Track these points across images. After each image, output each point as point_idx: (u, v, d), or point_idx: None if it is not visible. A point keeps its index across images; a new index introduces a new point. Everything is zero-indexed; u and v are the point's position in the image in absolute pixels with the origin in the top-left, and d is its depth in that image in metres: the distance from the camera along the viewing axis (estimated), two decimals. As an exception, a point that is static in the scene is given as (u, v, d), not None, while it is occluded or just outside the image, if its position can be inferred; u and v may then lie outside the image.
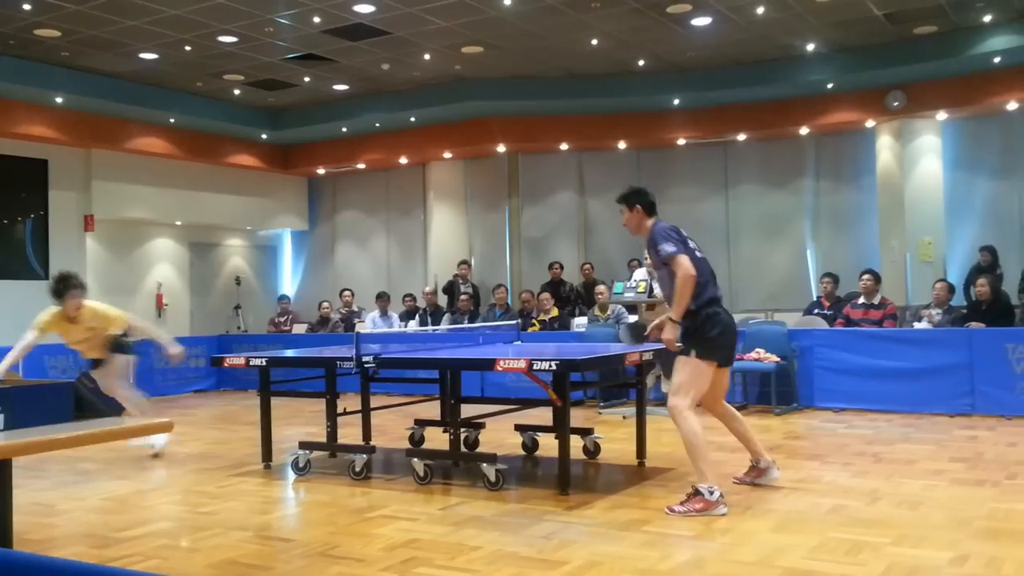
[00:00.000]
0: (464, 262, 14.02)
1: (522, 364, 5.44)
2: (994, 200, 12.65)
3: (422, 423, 7.56)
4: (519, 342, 7.75)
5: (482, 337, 8.92)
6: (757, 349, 9.44)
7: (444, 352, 6.99)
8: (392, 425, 8.50)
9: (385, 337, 10.38)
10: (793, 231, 14.00)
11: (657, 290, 9.36)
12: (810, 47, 11.96)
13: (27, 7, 9.88)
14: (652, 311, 9.57)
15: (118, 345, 7.33)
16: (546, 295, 11.88)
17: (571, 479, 5.70)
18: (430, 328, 11.67)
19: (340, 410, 6.85)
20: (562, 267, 13.36)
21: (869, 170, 13.29)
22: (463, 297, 12.79)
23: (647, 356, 6.32)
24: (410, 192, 16.18)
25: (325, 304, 14.02)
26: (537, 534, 4.68)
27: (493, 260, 15.35)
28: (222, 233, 16.56)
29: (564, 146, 14.68)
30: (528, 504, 5.40)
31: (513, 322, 9.04)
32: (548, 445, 6.73)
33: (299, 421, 9.31)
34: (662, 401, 9.59)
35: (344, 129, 15.10)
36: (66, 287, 6.91)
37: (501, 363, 5.52)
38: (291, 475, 6.54)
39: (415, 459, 6.12)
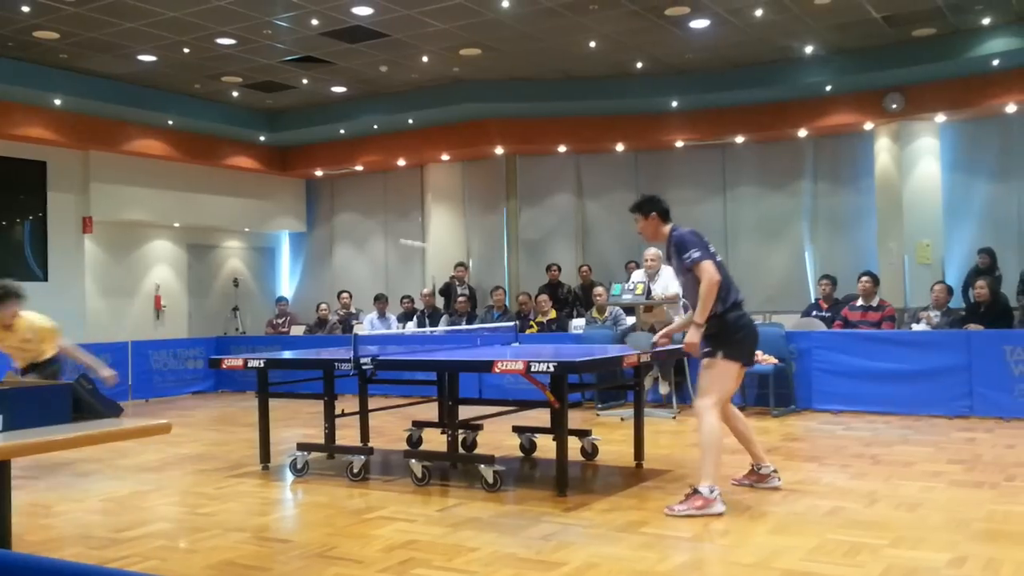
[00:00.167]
0: (461, 264, 14.02)
1: (520, 366, 5.44)
2: (992, 202, 12.67)
3: (420, 424, 7.56)
4: (517, 344, 7.75)
5: (480, 339, 8.92)
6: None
7: (442, 354, 6.99)
8: (390, 427, 8.50)
9: (383, 339, 10.38)
10: (791, 233, 14.01)
11: (656, 291, 9.38)
12: (808, 49, 11.97)
13: (26, 9, 9.88)
14: (650, 312, 9.58)
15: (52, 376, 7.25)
16: (544, 297, 11.88)
17: (569, 481, 5.70)
18: (428, 330, 11.66)
19: (338, 412, 6.85)
20: (560, 269, 13.37)
21: (867, 172, 13.30)
22: (461, 299, 12.79)
23: (645, 358, 6.32)
24: (408, 194, 16.19)
25: (323, 306, 14.02)
26: (535, 535, 4.68)
27: (491, 262, 15.35)
28: (220, 235, 16.56)
29: (562, 148, 14.69)
30: (526, 505, 5.39)
31: (511, 324, 9.04)
32: (546, 447, 6.74)
33: (297, 423, 9.31)
34: (660, 403, 9.64)
35: (342, 131, 15.10)
36: (5, 296, 6.88)
37: (499, 365, 5.52)
38: (289, 476, 6.53)
39: (413, 460, 6.12)
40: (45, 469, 7.05)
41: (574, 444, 6.57)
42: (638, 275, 9.98)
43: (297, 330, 14.18)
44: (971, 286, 10.30)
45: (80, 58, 11.76)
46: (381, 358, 6.24)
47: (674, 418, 9.03)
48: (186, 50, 11.47)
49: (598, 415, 9.45)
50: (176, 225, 15.39)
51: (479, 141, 14.52)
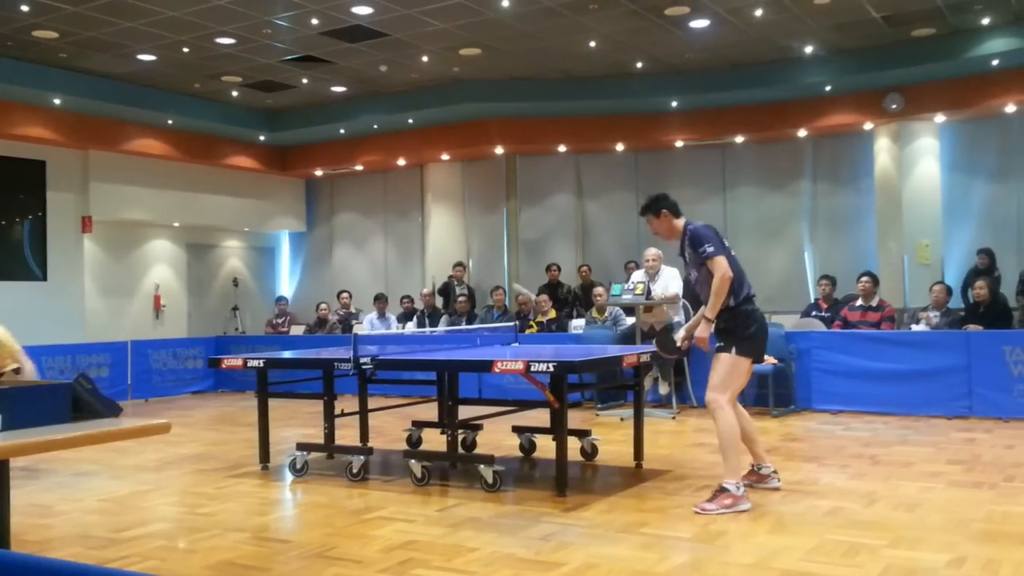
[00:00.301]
0: (459, 264, 14.02)
1: (520, 366, 5.44)
2: (992, 203, 12.67)
3: (420, 424, 7.56)
4: (517, 344, 7.75)
5: (480, 339, 8.92)
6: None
7: (442, 354, 6.99)
8: (390, 427, 8.50)
9: (383, 339, 10.37)
10: (791, 233, 14.01)
11: (655, 291, 9.39)
12: (808, 49, 11.97)
13: (25, 8, 9.88)
14: (649, 313, 9.59)
15: None
16: (544, 297, 11.88)
17: (568, 481, 5.70)
18: (428, 330, 11.66)
19: (338, 411, 6.84)
20: (560, 269, 13.37)
21: (867, 172, 13.30)
22: (461, 299, 12.79)
23: (644, 358, 6.32)
24: (408, 194, 16.19)
25: (323, 306, 14.01)
26: (534, 536, 4.68)
27: (491, 262, 15.35)
28: (220, 234, 16.56)
29: (562, 148, 14.69)
30: (525, 506, 5.39)
31: (511, 324, 9.04)
32: (546, 447, 6.74)
33: (296, 422, 9.30)
34: (659, 403, 9.64)
35: (342, 131, 15.10)
36: None
37: (499, 365, 5.52)
38: (289, 476, 6.53)
39: (412, 460, 6.12)
40: (44, 469, 7.05)
41: (574, 444, 6.56)
42: (638, 275, 9.98)
43: (297, 330, 14.18)
44: (970, 286, 10.31)
45: (79, 57, 11.75)
46: (381, 358, 6.25)
47: (674, 418, 9.03)
48: (186, 49, 11.47)
49: (598, 415, 9.45)
50: (176, 225, 15.39)
51: (479, 141, 14.52)
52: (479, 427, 7.14)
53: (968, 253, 12.27)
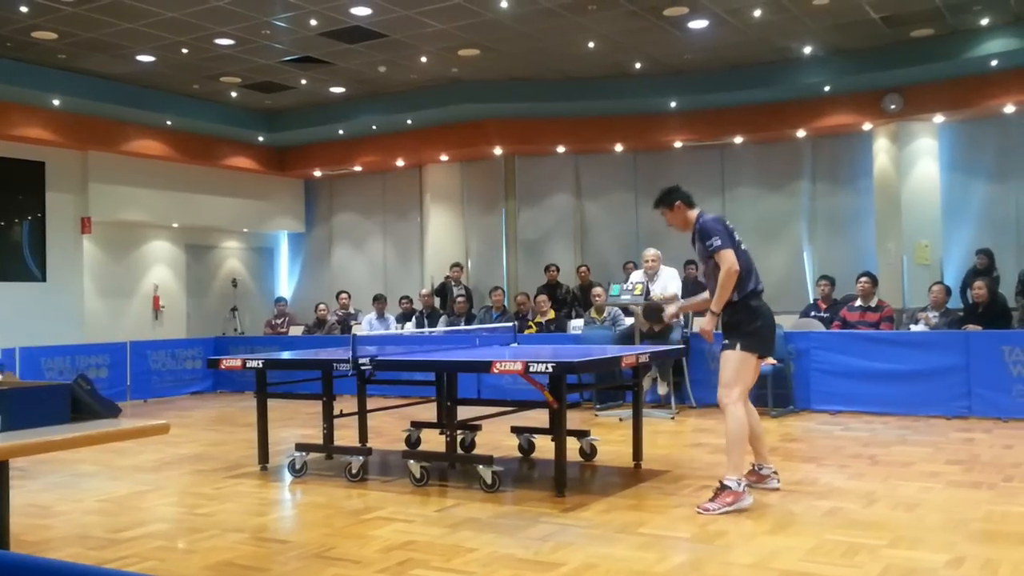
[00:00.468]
0: (456, 264, 14.02)
1: (518, 366, 5.44)
2: (991, 203, 12.68)
3: (418, 425, 7.56)
4: (515, 344, 7.75)
5: (478, 339, 8.92)
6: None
7: (440, 354, 6.99)
8: (388, 427, 8.50)
9: (381, 339, 10.37)
10: (790, 234, 14.02)
11: (654, 291, 9.39)
12: (807, 50, 11.98)
13: (24, 9, 9.88)
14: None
15: None
16: (542, 297, 11.88)
17: (567, 481, 5.70)
18: (426, 330, 11.66)
19: (336, 412, 6.84)
20: (558, 269, 13.37)
21: (866, 173, 13.31)
22: (460, 299, 12.78)
23: (643, 359, 6.32)
24: (407, 194, 16.20)
25: (322, 306, 14.01)
26: (533, 536, 4.68)
27: (489, 262, 15.35)
28: (219, 235, 16.56)
29: (560, 148, 14.69)
30: (524, 506, 5.39)
31: (509, 324, 9.04)
32: (544, 447, 6.74)
33: (295, 423, 9.30)
34: (658, 403, 9.64)
35: (341, 131, 15.10)
36: None
37: (497, 365, 5.52)
38: (287, 477, 6.53)
39: (411, 461, 6.11)
40: (43, 469, 7.04)
41: (572, 444, 6.56)
42: (637, 275, 9.98)
43: (296, 330, 14.18)
44: (969, 287, 10.31)
45: (79, 58, 11.75)
46: (380, 358, 6.25)
47: (672, 418, 9.03)
48: (185, 50, 11.47)
49: (596, 415, 9.45)
50: (175, 225, 15.38)
51: (478, 141, 14.52)
52: (478, 427, 7.14)
53: (967, 253, 12.28)
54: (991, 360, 8.59)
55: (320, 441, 6.72)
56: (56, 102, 12.58)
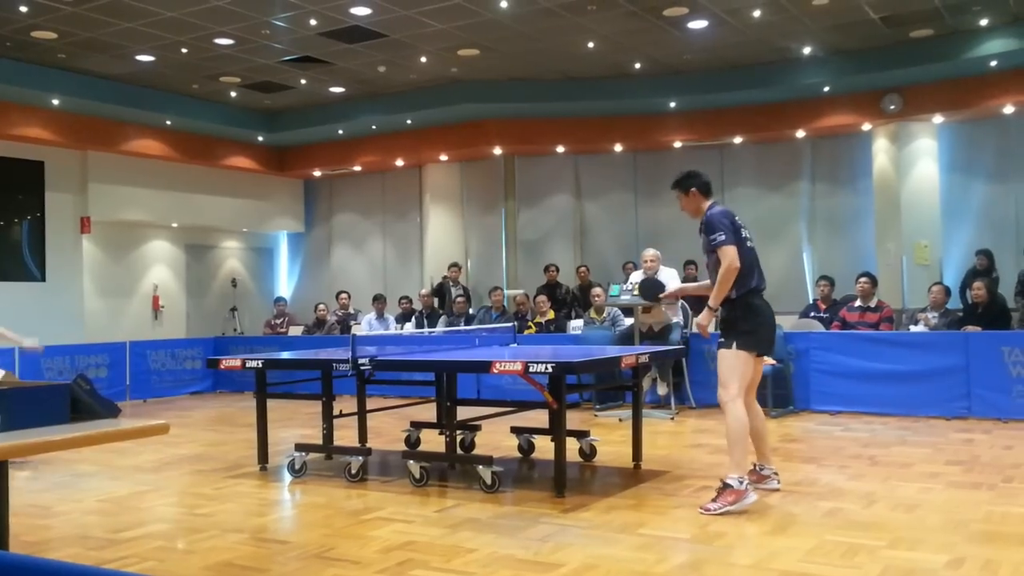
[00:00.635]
0: (455, 264, 14.02)
1: (518, 367, 5.44)
2: (990, 203, 12.68)
3: (418, 425, 7.56)
4: (515, 344, 7.75)
5: (478, 339, 8.92)
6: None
7: (440, 354, 6.99)
8: (388, 427, 8.50)
9: (381, 339, 10.37)
10: (789, 234, 14.02)
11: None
12: (806, 50, 11.98)
13: (24, 9, 9.87)
14: (648, 313, 9.59)
15: None
16: (542, 298, 11.88)
17: (567, 482, 5.70)
18: (426, 330, 11.66)
19: (336, 412, 6.84)
20: (558, 269, 13.36)
21: (865, 173, 13.31)
22: (460, 299, 12.79)
23: (643, 359, 6.32)
24: (406, 194, 16.20)
25: (321, 306, 14.01)
26: (533, 536, 4.68)
27: (489, 262, 15.35)
28: (218, 235, 16.56)
29: (560, 148, 14.69)
30: (524, 506, 5.39)
31: (509, 324, 9.04)
32: (544, 447, 6.74)
33: (295, 423, 9.30)
34: (658, 404, 9.64)
35: (340, 131, 15.10)
36: None
37: (497, 365, 5.52)
38: (287, 477, 6.53)
39: (411, 461, 6.11)
40: (43, 469, 7.04)
41: (572, 445, 6.56)
42: (636, 276, 9.98)
43: (295, 330, 14.18)
44: (969, 287, 10.31)
45: (78, 58, 11.75)
46: (379, 359, 6.24)
47: (672, 419, 9.03)
48: (184, 50, 11.47)
49: (596, 416, 9.45)
50: (174, 225, 15.38)
51: (477, 141, 14.52)
52: (478, 428, 7.14)
53: (967, 254, 12.28)
54: (991, 361, 8.59)
55: (320, 441, 6.71)
56: (56, 102, 12.57)
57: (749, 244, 5.43)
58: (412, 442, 7.44)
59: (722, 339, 5.38)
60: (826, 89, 12.67)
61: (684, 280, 10.65)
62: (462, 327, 11.54)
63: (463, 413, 6.52)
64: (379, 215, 16.66)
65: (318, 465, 6.83)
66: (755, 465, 5.68)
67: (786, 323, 10.45)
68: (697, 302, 5.84)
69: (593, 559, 4.25)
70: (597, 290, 11.16)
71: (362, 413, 6.99)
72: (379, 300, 13.28)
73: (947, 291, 10.23)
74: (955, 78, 12.01)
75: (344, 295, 14.08)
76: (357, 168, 16.16)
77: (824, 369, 9.36)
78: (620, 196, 14.86)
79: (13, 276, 12.92)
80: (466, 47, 11.60)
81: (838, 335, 9.65)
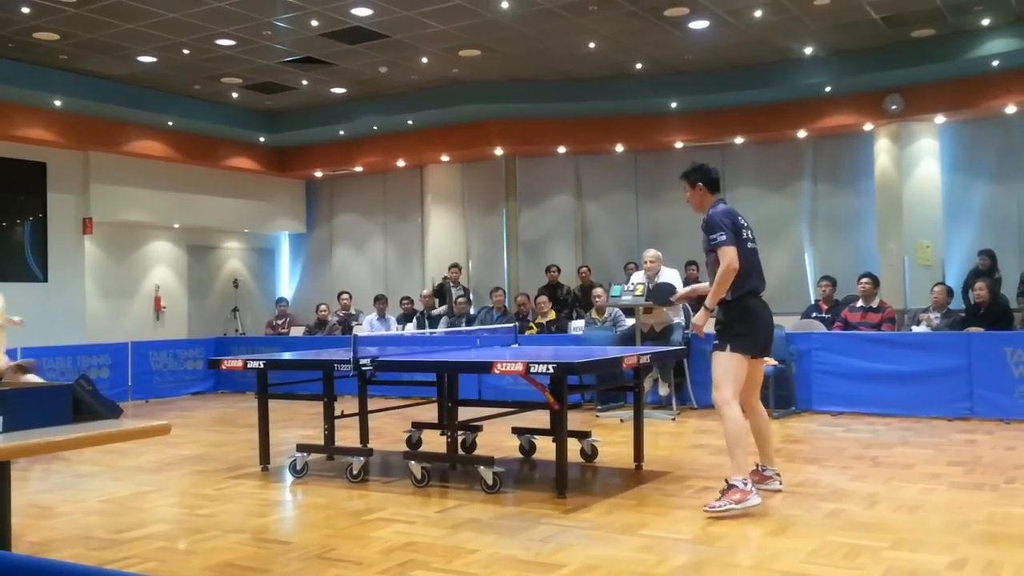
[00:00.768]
0: (455, 265, 14.02)
1: (519, 367, 5.44)
2: (992, 204, 12.67)
3: (419, 426, 7.55)
4: (516, 345, 7.75)
5: (479, 340, 8.92)
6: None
7: (441, 355, 6.99)
8: (389, 428, 8.50)
9: (382, 340, 10.37)
10: (791, 234, 14.01)
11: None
12: (808, 50, 11.97)
13: (26, 10, 9.88)
14: (649, 314, 9.59)
15: None
16: (543, 298, 11.88)
17: (568, 482, 5.70)
18: (427, 331, 11.66)
19: (338, 413, 6.84)
20: (559, 270, 13.37)
21: (867, 173, 13.30)
22: (461, 300, 12.79)
23: (644, 360, 6.32)
24: (407, 195, 16.20)
25: (323, 307, 14.02)
26: (534, 537, 4.68)
27: (490, 263, 15.36)
28: (220, 236, 16.56)
29: (561, 149, 14.69)
30: (525, 507, 5.39)
31: (510, 325, 9.04)
32: (545, 448, 6.74)
33: (296, 424, 9.30)
34: (659, 404, 9.63)
35: (342, 132, 15.10)
36: None
37: (498, 366, 5.52)
38: (289, 478, 6.53)
39: (412, 462, 6.11)
40: (45, 470, 7.05)
41: (573, 446, 6.56)
42: (637, 276, 9.98)
43: (297, 331, 14.18)
44: (971, 288, 10.29)
45: (80, 59, 11.76)
46: (380, 359, 6.24)
47: (674, 420, 9.03)
48: (186, 51, 11.47)
49: (598, 416, 9.45)
50: (176, 226, 15.39)
51: (478, 142, 14.52)
52: (479, 428, 7.14)
53: (969, 254, 12.26)
54: (993, 361, 8.58)
55: (321, 442, 6.72)
56: (57, 103, 12.58)
57: (750, 245, 5.40)
58: (413, 443, 7.44)
59: (716, 341, 5.35)
60: (827, 89, 12.66)
61: (685, 281, 10.64)
62: (463, 327, 11.54)
63: (464, 414, 6.52)
64: (380, 216, 16.66)
65: (319, 466, 6.83)
66: (757, 466, 5.67)
67: (788, 324, 10.45)
68: (698, 303, 5.84)
69: (594, 560, 4.25)
70: (598, 291, 11.16)
71: (363, 414, 6.99)
72: (380, 301, 13.28)
73: (949, 291, 10.22)
74: (957, 78, 12.00)
75: (345, 296, 14.09)
76: (358, 169, 16.17)
77: (826, 370, 9.36)
78: (621, 196, 14.86)
79: (15, 277, 12.91)
80: (467, 48, 11.60)
81: (840, 336, 9.64)
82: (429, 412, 8.04)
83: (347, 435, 7.33)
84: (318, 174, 16.72)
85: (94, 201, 13.72)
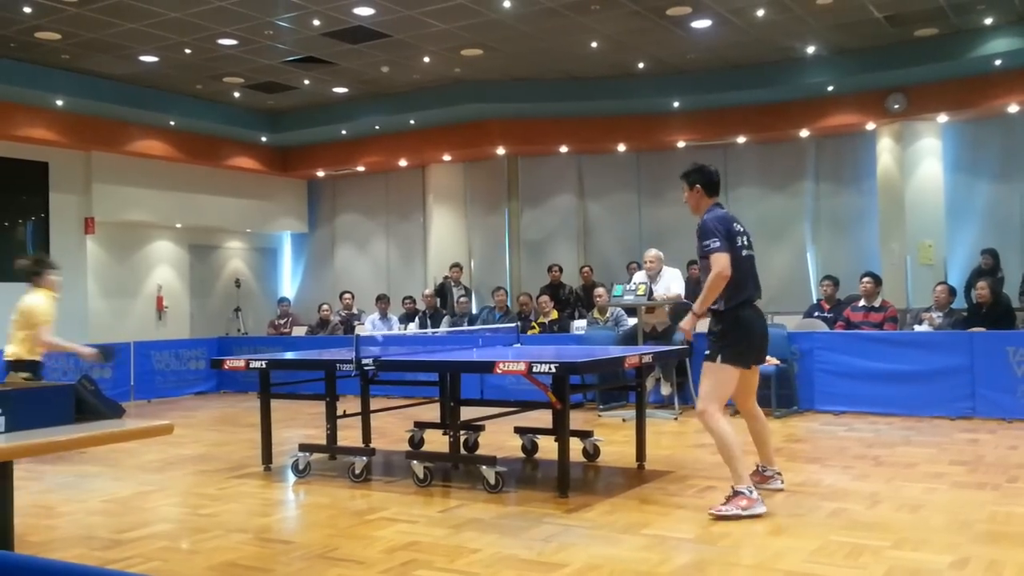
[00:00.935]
0: (456, 264, 14.01)
1: (522, 367, 5.44)
2: (995, 203, 12.65)
3: (422, 425, 7.56)
4: (518, 344, 7.75)
5: (482, 340, 8.92)
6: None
7: (444, 354, 6.99)
8: (392, 427, 8.50)
9: (385, 339, 10.38)
10: (793, 234, 14.00)
11: (657, 292, 9.40)
12: (810, 49, 11.96)
13: (28, 10, 9.89)
14: (651, 313, 9.59)
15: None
16: (545, 298, 11.88)
17: (571, 482, 5.70)
18: (430, 330, 11.66)
19: (340, 412, 6.85)
20: (561, 270, 13.36)
21: (869, 173, 13.29)
22: (462, 299, 12.79)
23: (647, 359, 6.31)
24: (409, 194, 16.19)
25: (325, 306, 14.02)
26: (536, 537, 4.68)
27: (492, 262, 15.36)
28: (222, 235, 16.57)
29: (564, 148, 14.69)
30: (528, 507, 5.39)
31: (512, 324, 9.04)
32: (548, 448, 6.74)
33: (299, 423, 9.31)
34: (661, 404, 9.64)
35: (344, 132, 15.11)
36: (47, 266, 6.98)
37: (501, 366, 5.52)
38: (291, 477, 6.54)
39: (415, 461, 6.12)
40: (47, 470, 7.05)
41: (576, 445, 6.57)
42: (639, 276, 9.98)
43: (299, 331, 14.18)
44: (973, 287, 10.28)
45: (82, 59, 11.76)
46: (383, 359, 6.25)
47: (676, 419, 9.03)
48: (188, 51, 11.48)
49: (600, 416, 9.45)
50: (178, 226, 15.39)
51: (481, 142, 14.52)
52: (481, 428, 7.14)
53: (971, 254, 12.25)
54: (995, 361, 8.57)
55: (323, 441, 6.72)
56: (60, 102, 12.59)
57: (745, 252, 5.32)
58: (416, 442, 7.44)
59: (707, 351, 5.26)
60: (830, 88, 12.65)
61: (687, 280, 10.63)
62: (465, 327, 11.54)
63: (467, 413, 6.52)
64: (382, 215, 16.66)
65: (322, 465, 6.84)
66: (758, 466, 5.66)
67: (790, 323, 10.45)
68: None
69: (597, 559, 4.25)
70: (600, 290, 11.16)
71: (366, 413, 6.99)
72: (382, 300, 13.29)
73: (951, 291, 10.22)
74: (960, 77, 11.98)
75: (348, 295, 14.09)
76: (360, 168, 16.17)
77: (828, 369, 9.35)
78: (623, 196, 14.85)
79: (17, 277, 12.91)
80: (469, 47, 11.60)
81: (842, 335, 9.63)
82: (431, 412, 8.04)
83: (349, 435, 7.34)
84: (320, 174, 16.72)
85: (96, 201, 13.72)
